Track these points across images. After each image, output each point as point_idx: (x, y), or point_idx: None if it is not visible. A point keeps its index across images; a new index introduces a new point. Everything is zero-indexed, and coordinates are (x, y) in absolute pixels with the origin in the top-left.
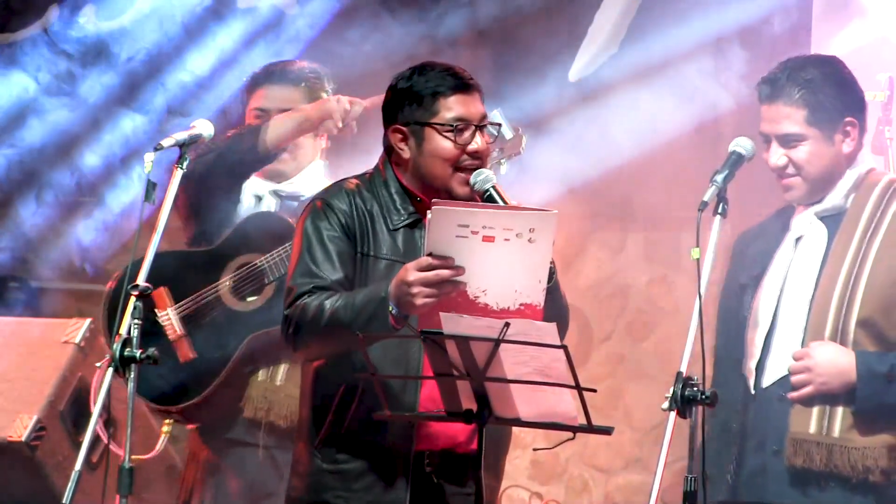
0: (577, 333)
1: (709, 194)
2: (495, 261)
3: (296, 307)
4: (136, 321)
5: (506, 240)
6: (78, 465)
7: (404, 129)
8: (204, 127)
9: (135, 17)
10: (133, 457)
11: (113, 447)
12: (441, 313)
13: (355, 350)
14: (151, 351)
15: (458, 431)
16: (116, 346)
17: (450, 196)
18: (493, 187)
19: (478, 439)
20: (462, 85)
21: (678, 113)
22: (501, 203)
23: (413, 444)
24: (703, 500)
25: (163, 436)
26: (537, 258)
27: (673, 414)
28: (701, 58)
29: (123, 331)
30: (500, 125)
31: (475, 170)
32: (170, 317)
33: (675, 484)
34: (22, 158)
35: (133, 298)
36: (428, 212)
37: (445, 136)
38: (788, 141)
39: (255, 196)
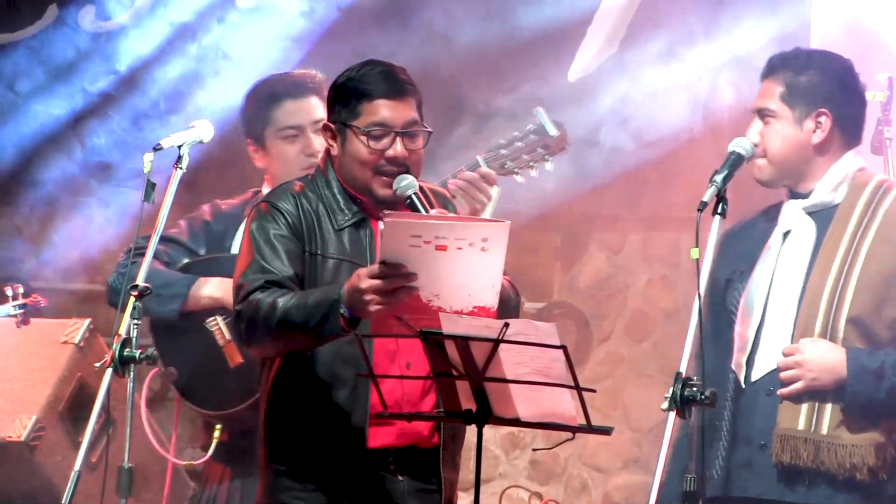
0: (577, 334)
1: (708, 194)
2: (448, 267)
3: (248, 303)
4: (135, 321)
5: (458, 248)
6: (77, 466)
7: (332, 126)
8: (203, 128)
9: (134, 16)
10: (185, 462)
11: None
12: (441, 314)
13: (307, 350)
14: (150, 351)
15: (420, 427)
16: (116, 346)
17: (372, 197)
18: (415, 194)
19: (477, 440)
20: (391, 90)
21: (678, 113)
22: (422, 210)
23: (365, 441)
24: (703, 500)
25: (214, 441)
26: (490, 265)
27: (672, 414)
28: (700, 57)
29: (123, 331)
30: (430, 132)
31: (397, 174)
32: (217, 322)
33: None
34: (22, 158)
35: (132, 299)
36: (380, 223)
37: (361, 140)
38: (763, 115)
39: None
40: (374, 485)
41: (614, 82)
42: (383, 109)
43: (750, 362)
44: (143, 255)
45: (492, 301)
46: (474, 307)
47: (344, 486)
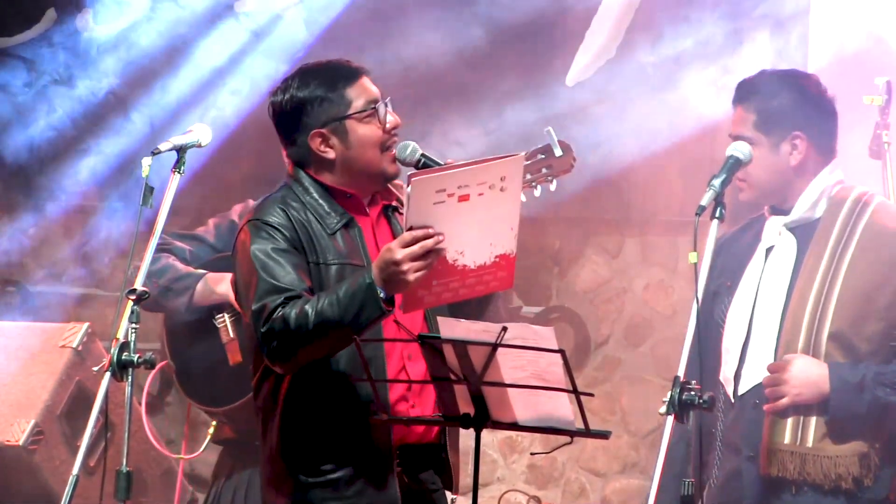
0: (575, 338)
1: (706, 198)
2: (471, 219)
3: (274, 320)
4: (133, 325)
5: (480, 195)
6: (75, 469)
7: (324, 130)
8: (202, 132)
9: (132, 21)
10: (177, 456)
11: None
12: (439, 318)
13: (344, 349)
14: (149, 355)
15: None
16: (114, 349)
17: (384, 177)
18: (423, 154)
19: (475, 444)
20: (356, 71)
21: (676, 117)
22: (438, 163)
23: (392, 441)
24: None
25: (208, 437)
26: (509, 205)
27: (670, 418)
28: (698, 62)
29: (121, 335)
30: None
31: (394, 145)
32: (225, 319)
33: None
34: (20, 160)
35: (130, 303)
36: (406, 187)
37: (367, 123)
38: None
39: None
40: (397, 481)
41: (612, 86)
42: (365, 89)
43: (737, 376)
44: (165, 250)
45: (511, 246)
46: (496, 256)
47: (379, 488)
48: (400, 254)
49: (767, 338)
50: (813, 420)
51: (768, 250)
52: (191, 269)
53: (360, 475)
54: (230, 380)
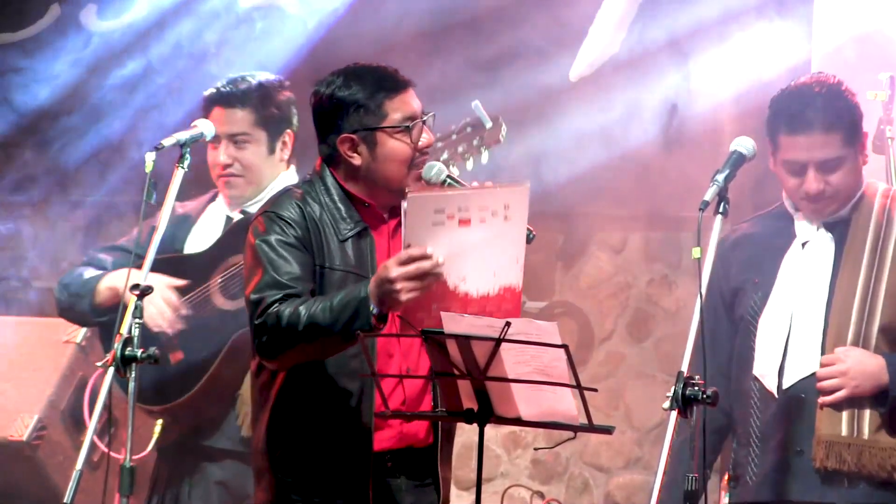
0: (578, 333)
1: (710, 193)
2: (473, 245)
3: (268, 315)
4: (136, 321)
5: (482, 221)
6: (79, 465)
7: (354, 136)
8: (205, 126)
9: (135, 16)
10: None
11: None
12: (442, 313)
13: (332, 355)
14: (152, 350)
15: (418, 429)
16: (117, 345)
17: (404, 195)
18: (449, 176)
19: (479, 439)
20: (401, 83)
21: (679, 111)
22: (460, 187)
23: (371, 447)
24: (704, 500)
25: (154, 436)
26: (513, 236)
27: (674, 413)
28: (701, 56)
29: (124, 330)
30: (434, 115)
31: (423, 164)
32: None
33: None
34: (22, 156)
35: (133, 298)
36: (403, 202)
37: (398, 139)
38: (829, 166)
39: (228, 217)
40: (374, 485)
41: (615, 80)
42: (405, 103)
43: (781, 371)
44: (86, 264)
45: (516, 279)
46: (501, 288)
47: (346, 490)
48: (395, 272)
49: (812, 332)
50: (867, 412)
51: (803, 246)
52: (96, 272)
53: (332, 483)
54: (174, 378)
